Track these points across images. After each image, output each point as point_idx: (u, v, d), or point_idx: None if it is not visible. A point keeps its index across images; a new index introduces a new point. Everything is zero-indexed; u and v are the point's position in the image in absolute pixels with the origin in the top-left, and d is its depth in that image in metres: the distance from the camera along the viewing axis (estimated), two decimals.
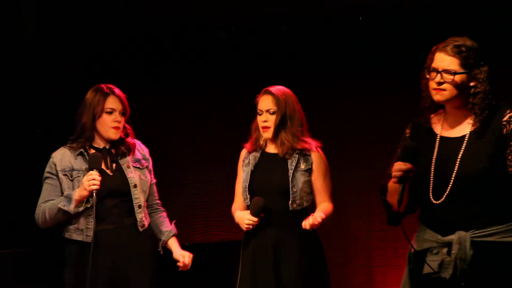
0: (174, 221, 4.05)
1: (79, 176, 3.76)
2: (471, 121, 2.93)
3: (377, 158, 5.58)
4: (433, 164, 2.94)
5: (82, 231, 3.77)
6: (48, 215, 3.78)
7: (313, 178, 3.78)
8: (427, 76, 2.94)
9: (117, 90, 3.84)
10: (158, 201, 4.08)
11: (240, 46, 5.87)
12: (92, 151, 3.82)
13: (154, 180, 4.03)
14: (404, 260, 3.05)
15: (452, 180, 2.88)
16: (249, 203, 3.79)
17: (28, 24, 5.41)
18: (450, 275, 2.87)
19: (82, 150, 3.83)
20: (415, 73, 3.09)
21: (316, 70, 5.80)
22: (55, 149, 3.94)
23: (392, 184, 2.96)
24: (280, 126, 3.75)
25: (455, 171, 2.89)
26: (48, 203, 3.79)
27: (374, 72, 5.75)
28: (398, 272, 5.53)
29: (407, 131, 3.10)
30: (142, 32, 5.84)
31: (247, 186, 3.81)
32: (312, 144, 3.81)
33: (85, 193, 3.63)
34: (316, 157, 3.79)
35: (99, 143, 3.86)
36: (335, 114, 5.91)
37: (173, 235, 3.98)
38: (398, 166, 2.86)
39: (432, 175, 2.94)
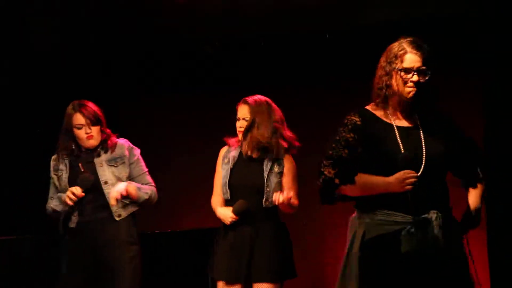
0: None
1: (61, 175, 4.34)
2: (417, 113, 3.22)
3: None
4: (402, 150, 3.14)
5: (72, 220, 4.31)
6: (52, 211, 4.39)
7: (283, 180, 4.18)
8: (401, 76, 3.14)
9: (84, 107, 4.32)
10: (152, 185, 4.48)
11: (230, 60, 6.17)
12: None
13: (143, 170, 4.47)
14: None
15: (423, 162, 3.12)
16: (228, 198, 4.18)
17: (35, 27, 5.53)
18: (430, 252, 3.07)
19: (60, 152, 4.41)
20: None
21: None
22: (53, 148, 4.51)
23: (362, 178, 3.18)
24: (248, 130, 4.15)
25: (424, 154, 3.14)
26: (53, 200, 4.39)
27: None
28: None
29: (357, 119, 3.23)
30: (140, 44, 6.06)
31: (227, 182, 4.19)
32: (286, 146, 4.15)
33: (67, 200, 4.21)
34: (288, 162, 4.19)
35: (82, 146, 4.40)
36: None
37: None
38: (409, 175, 3.08)
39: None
